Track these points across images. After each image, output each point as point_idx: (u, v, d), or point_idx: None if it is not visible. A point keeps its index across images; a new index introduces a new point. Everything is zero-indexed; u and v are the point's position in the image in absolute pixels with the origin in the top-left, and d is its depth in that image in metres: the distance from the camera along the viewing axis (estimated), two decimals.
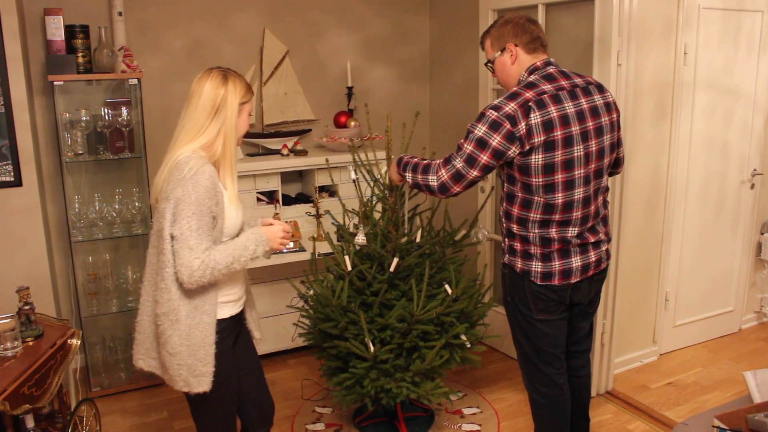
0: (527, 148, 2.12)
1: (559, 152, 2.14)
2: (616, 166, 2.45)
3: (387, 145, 2.78)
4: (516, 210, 2.26)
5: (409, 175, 2.37)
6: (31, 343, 2.44)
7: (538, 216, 2.22)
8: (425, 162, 2.32)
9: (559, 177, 2.17)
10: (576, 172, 2.18)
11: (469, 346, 2.75)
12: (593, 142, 2.21)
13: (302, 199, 3.95)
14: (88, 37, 3.24)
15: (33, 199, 3.10)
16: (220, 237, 2.01)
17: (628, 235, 3.29)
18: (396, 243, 2.71)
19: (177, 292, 1.95)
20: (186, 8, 3.68)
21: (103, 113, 3.23)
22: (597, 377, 3.28)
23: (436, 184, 2.24)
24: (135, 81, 3.24)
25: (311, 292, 2.83)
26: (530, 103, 2.12)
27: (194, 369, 1.98)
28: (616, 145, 2.36)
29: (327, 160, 3.40)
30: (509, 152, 2.14)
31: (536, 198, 2.20)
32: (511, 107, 2.12)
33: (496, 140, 2.12)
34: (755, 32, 3.64)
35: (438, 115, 4.42)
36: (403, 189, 2.73)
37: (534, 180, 2.17)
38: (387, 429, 3.03)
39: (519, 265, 2.31)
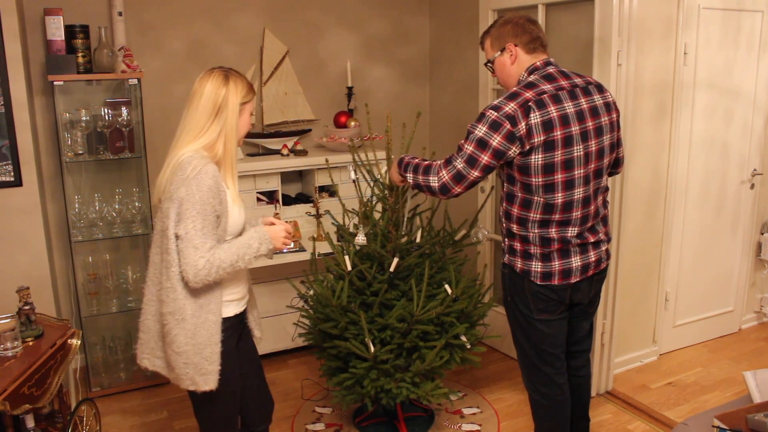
0: (527, 148, 2.12)
1: (559, 152, 2.14)
2: (615, 166, 2.45)
3: (387, 145, 2.78)
4: (516, 210, 2.26)
5: (410, 176, 2.36)
6: (31, 343, 2.44)
7: (538, 216, 2.22)
8: (426, 163, 2.32)
9: (559, 177, 2.17)
10: (576, 172, 2.18)
11: (469, 346, 2.75)
12: (593, 142, 2.21)
13: (302, 199, 3.94)
14: (88, 37, 3.24)
15: (33, 199, 3.10)
16: (224, 236, 2.02)
17: (628, 235, 3.29)
18: (396, 243, 2.71)
19: (182, 291, 1.95)
20: (186, 8, 3.68)
21: (103, 113, 3.23)
22: (597, 377, 3.28)
23: (437, 184, 2.24)
24: (135, 81, 3.25)
25: (311, 292, 2.83)
26: (530, 103, 2.12)
27: (200, 367, 1.99)
28: (616, 145, 2.36)
29: (327, 160, 3.40)
30: (509, 152, 2.14)
31: (536, 198, 2.20)
32: (510, 107, 2.12)
33: (496, 140, 2.12)
34: (755, 32, 3.64)
35: (438, 115, 4.41)
36: (404, 189, 2.72)
37: (534, 180, 2.17)
38: (387, 429, 3.04)
39: (519, 265, 2.31)
